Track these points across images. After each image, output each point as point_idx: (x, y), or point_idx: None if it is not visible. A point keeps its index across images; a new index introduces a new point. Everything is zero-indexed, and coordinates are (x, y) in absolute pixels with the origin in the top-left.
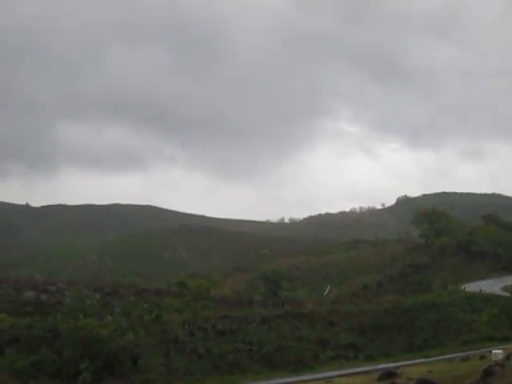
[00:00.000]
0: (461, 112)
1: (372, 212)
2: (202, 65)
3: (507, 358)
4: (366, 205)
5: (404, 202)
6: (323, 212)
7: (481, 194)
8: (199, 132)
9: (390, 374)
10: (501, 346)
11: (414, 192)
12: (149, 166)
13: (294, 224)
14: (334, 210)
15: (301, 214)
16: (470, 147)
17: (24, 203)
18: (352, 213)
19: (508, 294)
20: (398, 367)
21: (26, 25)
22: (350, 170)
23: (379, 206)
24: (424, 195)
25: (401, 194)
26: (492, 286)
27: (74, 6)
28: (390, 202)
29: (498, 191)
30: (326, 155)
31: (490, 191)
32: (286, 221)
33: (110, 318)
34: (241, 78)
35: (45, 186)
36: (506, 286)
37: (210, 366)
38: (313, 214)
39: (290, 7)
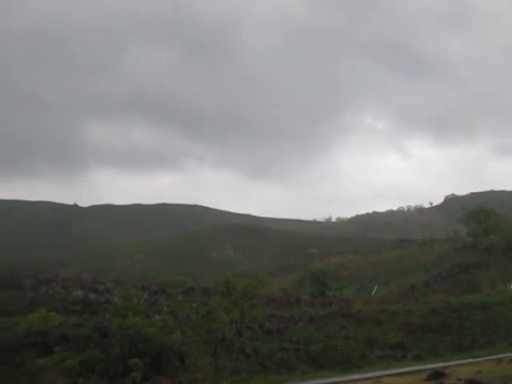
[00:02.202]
0: (491, 104)
1: (420, 211)
2: (219, 63)
3: None
4: (413, 203)
5: (452, 200)
6: (370, 211)
7: None
8: (226, 131)
9: (438, 374)
10: None
11: (460, 190)
12: (180, 165)
13: (341, 223)
14: (369, 208)
15: (348, 212)
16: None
17: (72, 203)
18: (400, 211)
19: None
20: (447, 367)
21: (49, 25)
22: (382, 168)
23: (427, 205)
24: (472, 193)
25: (439, 191)
26: None
27: (92, 6)
28: (431, 200)
29: None
30: (356, 152)
31: None
32: (333, 220)
33: (157, 316)
34: (262, 76)
35: (78, 187)
36: None
37: (257, 365)
38: (360, 213)
39: (300, 2)
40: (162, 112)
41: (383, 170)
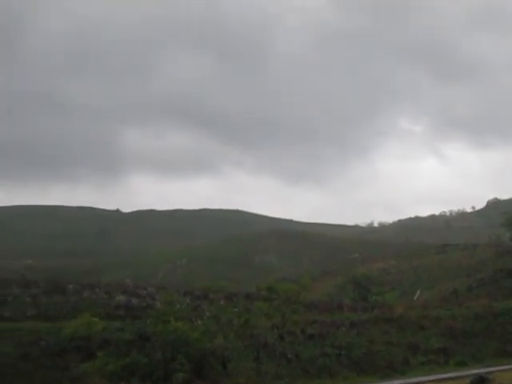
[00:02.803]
0: None
1: (462, 215)
2: (251, 69)
3: None
4: (455, 208)
5: (494, 204)
6: (412, 215)
7: None
8: (261, 136)
9: (481, 380)
10: None
11: (502, 194)
12: (216, 170)
13: (383, 228)
14: (409, 213)
15: (387, 217)
16: None
17: (114, 208)
18: (442, 216)
19: None
20: (490, 373)
21: (85, 30)
22: (419, 171)
23: (469, 209)
24: None
25: (479, 195)
26: None
27: (128, 11)
28: (473, 204)
29: None
30: (393, 156)
31: None
32: (376, 225)
33: (199, 321)
34: (295, 81)
35: (118, 192)
36: None
37: (299, 371)
38: (402, 218)
39: (330, 6)
40: (197, 117)
41: (421, 173)
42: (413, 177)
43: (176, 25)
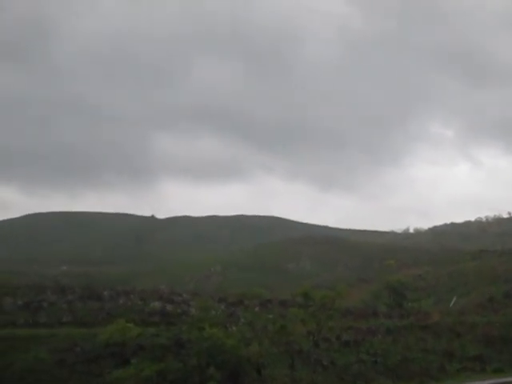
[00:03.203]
0: None
1: (498, 221)
2: (281, 75)
3: None
4: (491, 214)
5: None
6: (448, 221)
7: None
8: (292, 142)
9: None
10: None
11: None
12: (248, 176)
13: (418, 234)
14: (444, 219)
15: (421, 222)
16: None
17: (150, 215)
18: (477, 222)
19: None
20: None
21: (115, 37)
22: (452, 177)
23: (505, 215)
24: None
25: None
26: None
27: (158, 19)
28: (509, 210)
29: None
30: (426, 161)
31: None
32: (411, 231)
33: (234, 328)
34: (324, 87)
35: (150, 198)
36: None
37: (334, 377)
38: (437, 224)
39: (355, 11)
40: (227, 123)
41: (454, 179)
42: (446, 182)
43: (204, 32)
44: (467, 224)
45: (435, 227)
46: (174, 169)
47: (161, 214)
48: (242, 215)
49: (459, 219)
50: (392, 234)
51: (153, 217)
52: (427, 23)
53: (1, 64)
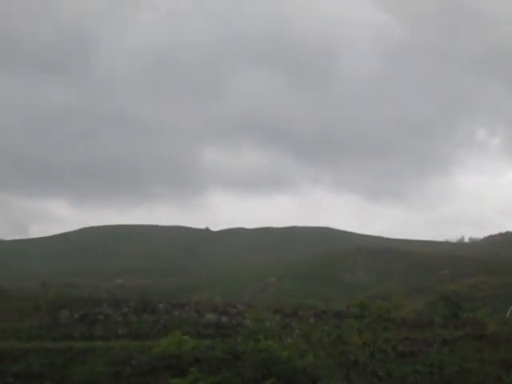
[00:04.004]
0: None
1: None
2: (321, 87)
3: None
4: None
5: None
6: (503, 231)
7: None
8: (337, 151)
9: None
10: None
11: None
12: (297, 187)
13: (473, 243)
14: (496, 228)
15: (478, 232)
16: None
17: (203, 227)
18: None
19: None
20: None
21: (159, 50)
22: (500, 185)
23: None
24: None
25: None
26: None
27: (202, 31)
28: None
29: None
30: (472, 169)
31: None
32: (466, 240)
33: (289, 339)
34: (367, 97)
35: (198, 210)
36: None
37: None
38: (493, 233)
39: (394, 21)
40: (271, 134)
41: (503, 187)
42: (495, 190)
43: (245, 43)
44: None
45: (490, 236)
46: (222, 180)
47: (212, 226)
48: (296, 226)
49: None
50: (446, 243)
51: (207, 229)
52: (468, 29)
53: (52, 77)
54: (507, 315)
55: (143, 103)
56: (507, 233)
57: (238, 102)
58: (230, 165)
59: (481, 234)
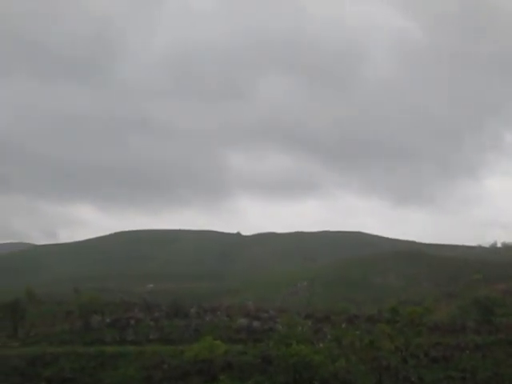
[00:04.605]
0: None
1: None
2: (347, 90)
3: None
4: None
5: None
6: None
7: None
8: (363, 156)
9: None
10: None
11: None
12: (324, 191)
13: (506, 248)
14: None
15: (504, 236)
16: None
17: (235, 232)
18: None
19: None
20: None
21: (185, 53)
22: None
23: None
24: None
25: None
26: None
27: (226, 35)
28: None
29: None
30: (500, 172)
31: None
32: (499, 245)
33: (321, 344)
34: (389, 100)
35: (228, 214)
36: None
37: None
38: None
39: (415, 25)
40: (297, 139)
41: None
42: None
43: (269, 48)
44: None
45: None
46: (248, 185)
47: (241, 230)
48: (327, 231)
49: None
50: (479, 248)
51: (238, 233)
52: (493, 29)
53: (78, 81)
54: None
55: (168, 107)
56: None
57: (261, 107)
58: (256, 169)
59: None
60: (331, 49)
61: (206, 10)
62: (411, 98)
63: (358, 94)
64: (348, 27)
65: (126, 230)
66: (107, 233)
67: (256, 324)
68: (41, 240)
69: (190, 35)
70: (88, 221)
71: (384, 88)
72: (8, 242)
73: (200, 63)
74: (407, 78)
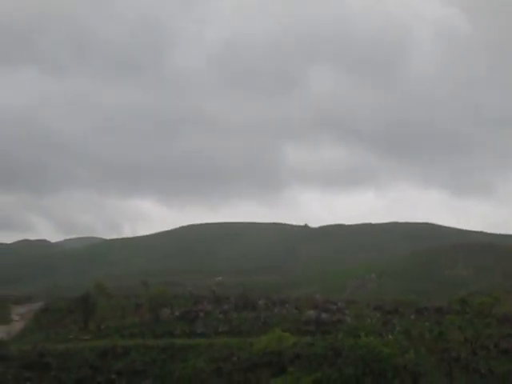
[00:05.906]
0: None
1: None
2: (392, 81)
3: None
4: None
5: None
6: None
7: None
8: (418, 148)
9: None
10: None
11: None
12: (382, 183)
13: None
14: None
15: None
16: None
17: (303, 224)
18: None
19: None
20: None
21: (236, 49)
22: None
23: None
24: None
25: None
26: None
27: (276, 31)
28: None
29: None
30: None
31: None
32: None
33: (390, 336)
34: (432, 91)
35: (290, 206)
36: None
37: None
38: None
39: (460, 16)
40: (350, 131)
41: None
42: None
43: (320, 43)
44: None
45: None
46: (306, 177)
47: (308, 223)
48: (395, 222)
49: None
50: None
51: (306, 226)
52: None
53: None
54: None
55: (221, 102)
56: None
57: (313, 100)
58: (312, 162)
59: None
60: (379, 43)
61: (255, 5)
62: (460, 89)
63: (409, 87)
64: (391, 15)
65: (191, 223)
66: (170, 227)
67: (324, 316)
68: (108, 234)
69: (241, 29)
70: (149, 215)
71: (432, 81)
72: (79, 236)
73: (251, 57)
74: (454, 65)
